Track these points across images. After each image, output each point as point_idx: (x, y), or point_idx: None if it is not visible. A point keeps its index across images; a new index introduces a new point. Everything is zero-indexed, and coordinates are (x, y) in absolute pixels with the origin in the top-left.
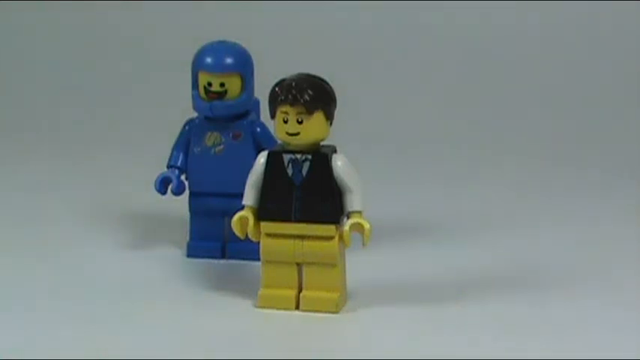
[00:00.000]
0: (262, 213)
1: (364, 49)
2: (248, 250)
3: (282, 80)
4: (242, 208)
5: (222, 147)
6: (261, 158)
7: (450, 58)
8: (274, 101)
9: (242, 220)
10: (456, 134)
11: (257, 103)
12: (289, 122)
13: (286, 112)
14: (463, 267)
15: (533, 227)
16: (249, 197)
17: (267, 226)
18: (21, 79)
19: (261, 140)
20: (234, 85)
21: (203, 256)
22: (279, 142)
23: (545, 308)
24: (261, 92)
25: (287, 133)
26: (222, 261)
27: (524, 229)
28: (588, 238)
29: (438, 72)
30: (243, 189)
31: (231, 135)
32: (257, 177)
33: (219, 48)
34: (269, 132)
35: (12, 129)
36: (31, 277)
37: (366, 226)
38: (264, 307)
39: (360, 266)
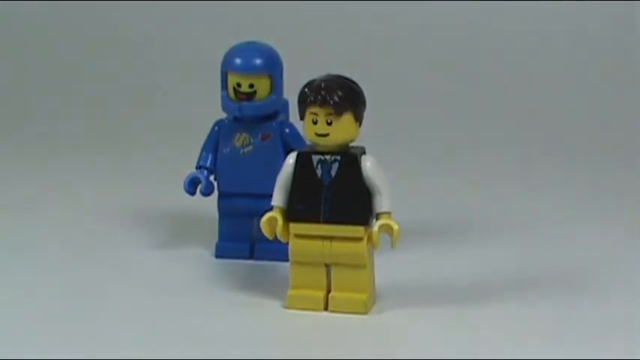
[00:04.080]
0: (291, 214)
1: (393, 50)
2: (276, 251)
3: (312, 81)
4: (271, 208)
5: (250, 148)
6: (290, 159)
7: (473, 58)
8: (303, 102)
9: (271, 221)
10: (482, 135)
11: (286, 103)
12: (318, 123)
13: (315, 113)
14: (493, 268)
15: (560, 228)
16: (278, 198)
17: (295, 227)
18: (52, 81)
19: (290, 141)
20: (263, 86)
21: (231, 257)
22: (308, 143)
23: (573, 310)
24: (290, 93)
25: (316, 134)
26: (250, 261)
27: (551, 229)
28: (614, 239)
29: (461, 71)
30: (272, 190)
31: (260, 136)
32: (286, 178)
33: (249, 49)
34: (298, 133)
35: (41, 130)
36: (60, 277)
37: (395, 227)
38: (292, 308)
39: (389, 267)
